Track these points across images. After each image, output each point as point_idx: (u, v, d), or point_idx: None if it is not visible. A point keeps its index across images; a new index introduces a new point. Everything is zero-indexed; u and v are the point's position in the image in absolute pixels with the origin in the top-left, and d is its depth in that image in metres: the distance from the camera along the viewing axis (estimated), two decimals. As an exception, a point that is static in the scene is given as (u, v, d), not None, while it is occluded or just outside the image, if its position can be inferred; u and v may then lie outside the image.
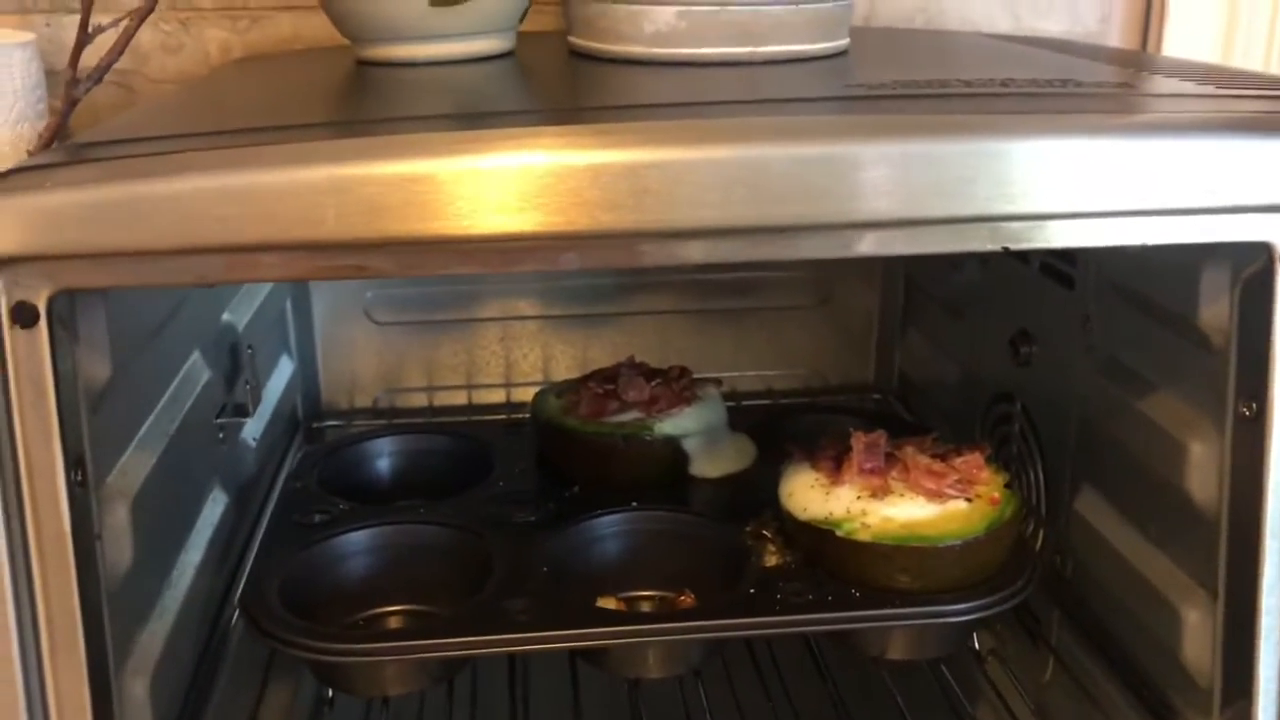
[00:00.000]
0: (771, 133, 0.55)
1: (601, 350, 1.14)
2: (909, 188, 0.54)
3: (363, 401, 1.14)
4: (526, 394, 1.13)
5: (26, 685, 0.55)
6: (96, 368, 0.58)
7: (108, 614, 0.58)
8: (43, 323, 0.53)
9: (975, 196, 0.55)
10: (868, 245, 0.55)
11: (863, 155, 0.53)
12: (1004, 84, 0.66)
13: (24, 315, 0.52)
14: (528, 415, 0.94)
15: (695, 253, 0.56)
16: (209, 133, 0.59)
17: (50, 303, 0.53)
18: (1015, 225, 0.56)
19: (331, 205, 0.51)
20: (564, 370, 1.14)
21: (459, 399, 1.15)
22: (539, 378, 1.14)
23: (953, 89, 0.64)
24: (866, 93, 0.63)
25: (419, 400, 1.14)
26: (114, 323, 0.59)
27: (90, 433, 0.57)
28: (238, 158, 0.52)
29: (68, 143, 0.60)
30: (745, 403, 1.05)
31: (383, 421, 1.09)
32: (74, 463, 0.55)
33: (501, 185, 0.52)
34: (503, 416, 1.09)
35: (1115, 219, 0.57)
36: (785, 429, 0.94)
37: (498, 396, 1.15)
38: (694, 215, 0.54)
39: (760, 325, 1.16)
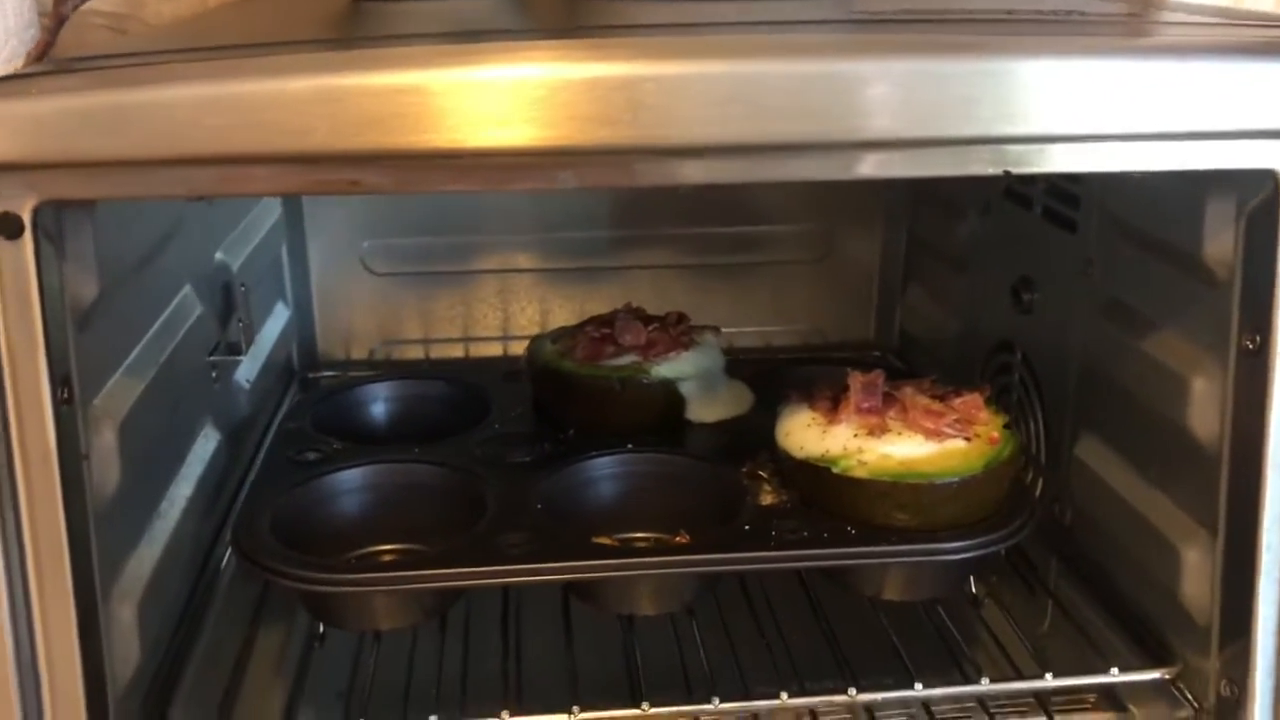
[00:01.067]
0: (771, 49, 0.54)
1: (599, 304, 1.12)
2: (911, 107, 0.53)
3: (359, 353, 1.13)
4: (523, 347, 1.12)
5: (12, 604, 0.55)
6: (83, 285, 0.57)
7: (94, 535, 0.57)
8: (28, 234, 0.52)
9: (978, 117, 0.54)
10: (868, 166, 0.55)
11: (863, 72, 0.52)
12: (1009, 12, 0.65)
13: (8, 226, 0.52)
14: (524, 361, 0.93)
15: (692, 172, 0.55)
16: (198, 48, 0.58)
17: (35, 214, 0.52)
18: (1017, 148, 0.55)
19: (322, 116, 0.51)
20: (561, 323, 1.12)
21: (456, 351, 1.14)
22: (536, 330, 1.13)
23: (955, 16, 0.63)
24: (868, 17, 0.62)
25: (415, 352, 1.13)
26: (102, 241, 0.58)
27: (76, 351, 0.56)
28: (227, 68, 0.52)
29: (55, 59, 0.59)
30: (743, 358, 1.04)
31: (378, 373, 1.08)
32: (60, 380, 0.54)
33: (495, 98, 0.51)
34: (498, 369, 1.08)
35: (1119, 143, 0.56)
36: (783, 378, 0.93)
37: (494, 349, 1.14)
38: (691, 132, 0.53)
39: (760, 281, 1.15)
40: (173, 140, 0.50)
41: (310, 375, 1.10)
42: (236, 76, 0.51)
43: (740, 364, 0.93)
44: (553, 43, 0.54)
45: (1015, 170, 0.56)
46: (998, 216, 0.92)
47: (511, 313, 1.15)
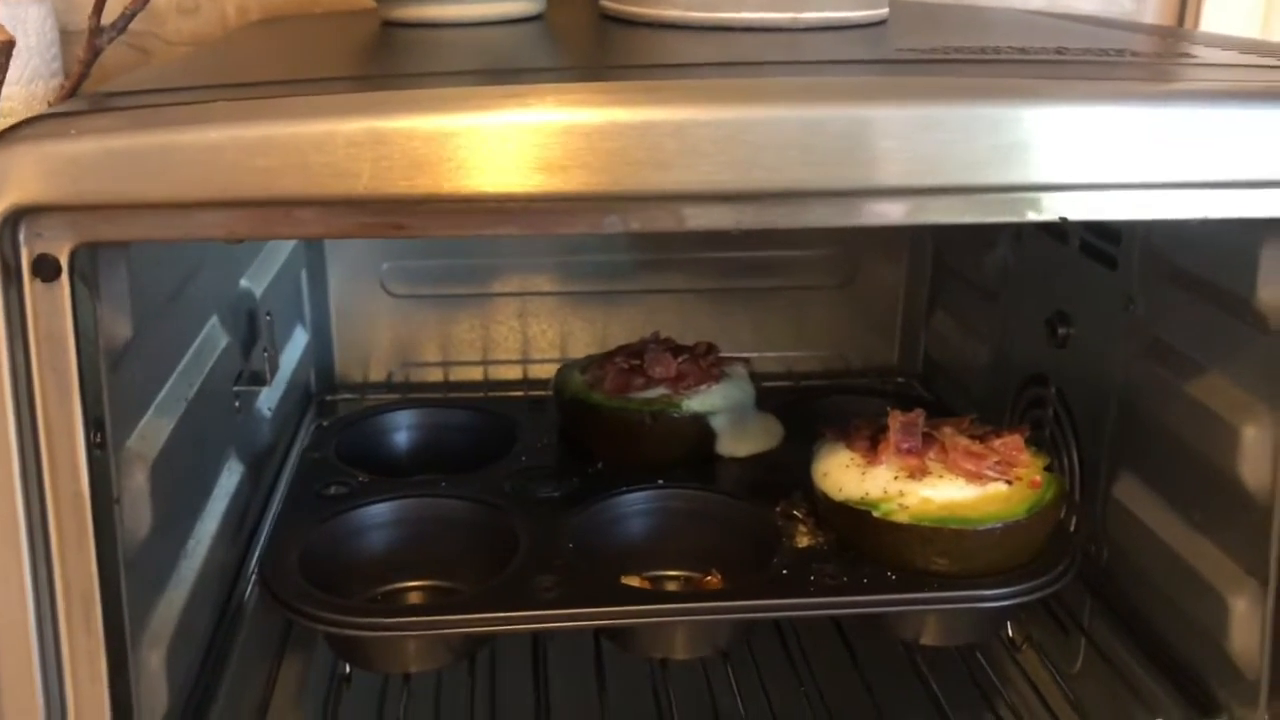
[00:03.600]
0: (830, 92, 0.53)
1: (620, 328, 1.12)
2: (972, 153, 0.52)
3: (377, 375, 1.11)
4: (544, 370, 1.11)
5: (42, 653, 0.54)
6: (118, 326, 0.56)
7: (125, 581, 0.56)
8: (64, 276, 0.51)
9: (1033, 164, 0.53)
10: (928, 213, 0.53)
11: (927, 118, 0.51)
12: (1058, 51, 0.63)
13: (45, 268, 0.50)
14: (548, 393, 0.92)
15: (745, 217, 0.53)
16: (239, 84, 0.57)
17: (73, 256, 0.50)
18: (1075, 195, 0.54)
19: (369, 159, 0.49)
20: (582, 347, 1.12)
21: (475, 374, 1.12)
22: (556, 354, 1.12)
23: (1007, 55, 0.62)
24: (919, 57, 0.61)
25: (434, 375, 1.12)
26: (135, 279, 0.57)
27: (110, 393, 0.54)
28: (272, 108, 0.50)
29: (90, 93, 0.58)
30: (766, 384, 1.03)
31: (396, 396, 1.07)
32: (93, 423, 0.53)
33: (545, 142, 0.50)
34: (520, 393, 1.07)
35: (1178, 190, 0.55)
36: (811, 410, 0.92)
37: (514, 373, 1.13)
38: (746, 177, 0.51)
39: (782, 305, 1.14)
40: (218, 182, 0.49)
41: (328, 398, 1.08)
42: (285, 118, 0.49)
43: (768, 394, 0.92)
44: (605, 84, 0.53)
45: (1072, 218, 0.54)
46: (1031, 248, 0.91)
47: (531, 335, 1.14)
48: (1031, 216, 0.54)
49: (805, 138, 0.51)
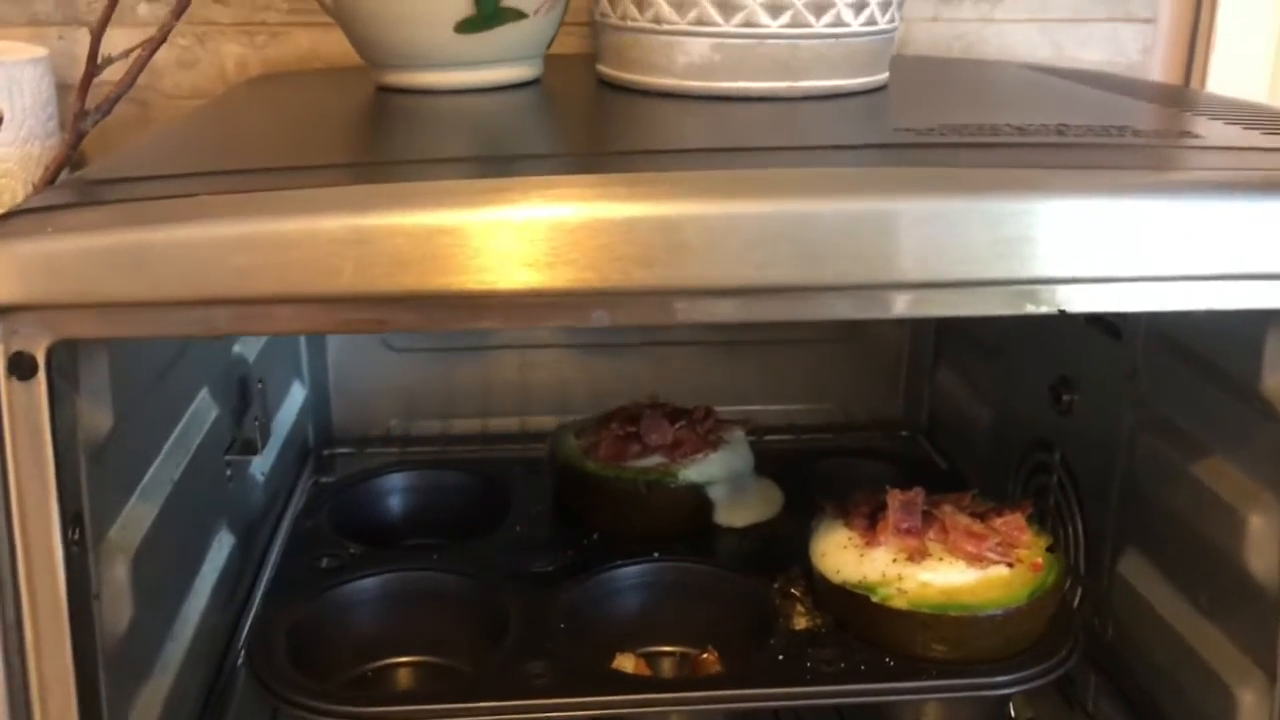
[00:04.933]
0: (820, 186, 0.51)
1: (621, 380, 1.11)
2: (966, 247, 0.51)
3: (376, 429, 1.10)
4: (542, 423, 1.10)
5: (17, 755, 0.52)
6: (98, 418, 0.55)
7: (104, 678, 0.55)
8: (41, 374, 0.50)
9: (1035, 258, 0.52)
10: (921, 307, 0.52)
11: (919, 212, 0.50)
12: (1059, 130, 0.62)
13: (22, 366, 0.49)
14: (544, 449, 0.91)
15: (733, 311, 0.52)
16: (222, 172, 0.56)
17: (50, 353, 0.49)
18: (1075, 288, 0.53)
19: (351, 257, 0.48)
20: (582, 400, 1.10)
21: (473, 427, 1.11)
22: (556, 406, 1.11)
23: (1004, 136, 0.61)
24: (915, 139, 0.59)
25: (433, 428, 1.11)
26: (117, 370, 0.56)
27: (90, 487, 0.53)
28: (252, 204, 0.49)
29: (72, 178, 0.57)
30: (768, 438, 1.01)
31: (395, 450, 1.06)
32: (71, 520, 0.52)
33: (531, 239, 0.49)
34: (518, 446, 1.06)
35: (1181, 283, 0.53)
36: (812, 473, 0.91)
37: (513, 425, 1.12)
38: (734, 273, 0.50)
39: (786, 358, 1.13)
40: (195, 281, 0.48)
41: (325, 453, 1.07)
42: (263, 214, 0.48)
43: (768, 450, 0.90)
44: (591, 178, 0.52)
45: (1070, 310, 0.53)
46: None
47: (531, 387, 1.12)
48: (1030, 309, 0.53)
49: (797, 232, 0.50)
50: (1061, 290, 0.53)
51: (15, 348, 0.49)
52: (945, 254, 0.51)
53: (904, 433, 1.13)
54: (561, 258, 0.49)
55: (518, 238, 0.49)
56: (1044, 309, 0.53)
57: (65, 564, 0.52)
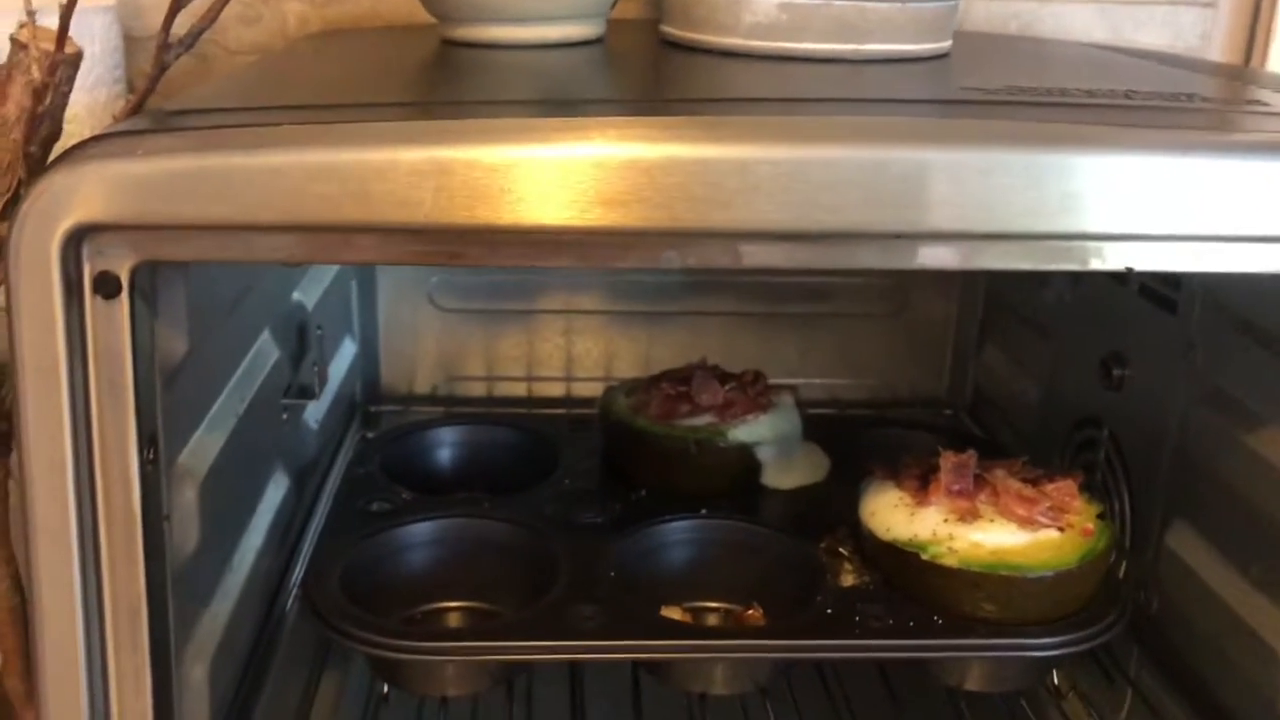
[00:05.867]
0: (892, 133, 0.52)
1: (666, 349, 1.12)
2: (1036, 200, 0.51)
3: (422, 388, 1.12)
4: (587, 389, 1.11)
5: (89, 666, 0.54)
6: (174, 342, 0.56)
7: (172, 596, 0.56)
8: (124, 294, 0.51)
9: (1103, 213, 0.52)
10: (985, 259, 0.52)
11: (991, 162, 0.50)
12: (1127, 95, 0.62)
13: (106, 285, 0.51)
14: (591, 411, 0.92)
15: (800, 256, 0.53)
16: (302, 106, 0.57)
17: (133, 274, 0.51)
18: (1141, 245, 0.53)
19: (430, 188, 0.49)
20: (626, 367, 1.11)
21: (518, 390, 1.12)
22: (600, 373, 1.12)
23: (1074, 98, 0.61)
24: (985, 97, 0.60)
25: (478, 389, 1.12)
26: (192, 298, 0.58)
27: (164, 410, 0.55)
28: (336, 134, 0.50)
29: (154, 110, 0.58)
30: (811, 410, 1.02)
31: (440, 409, 1.07)
32: (147, 440, 0.53)
33: (607, 176, 0.50)
34: (563, 411, 1.07)
35: (1248, 244, 0.53)
36: (858, 442, 0.91)
37: (558, 390, 1.13)
38: (806, 217, 0.51)
39: (830, 332, 1.13)
40: (279, 207, 0.49)
41: (373, 410, 1.09)
42: (349, 144, 0.49)
43: (813, 422, 0.91)
44: (667, 119, 0.53)
45: (1138, 268, 0.53)
46: (1088, 287, 0.90)
47: (576, 354, 1.13)
48: (1095, 266, 0.53)
49: (866, 179, 0.51)
50: (1126, 247, 0.53)
51: (101, 267, 0.50)
52: (1014, 206, 0.51)
53: (947, 410, 1.13)
54: (636, 196, 0.50)
55: (593, 175, 0.50)
56: (1108, 266, 0.53)
57: (140, 483, 0.53)
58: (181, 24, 0.61)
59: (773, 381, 0.90)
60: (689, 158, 0.50)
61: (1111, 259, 0.53)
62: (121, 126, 0.53)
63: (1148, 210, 0.52)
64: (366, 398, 1.09)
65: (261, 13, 1.05)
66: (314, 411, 0.88)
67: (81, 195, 0.49)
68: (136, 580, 0.54)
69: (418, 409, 1.09)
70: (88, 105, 0.90)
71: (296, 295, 0.84)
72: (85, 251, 0.50)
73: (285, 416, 0.81)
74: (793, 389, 0.90)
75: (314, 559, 0.75)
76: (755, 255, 0.53)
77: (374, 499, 0.79)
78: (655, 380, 0.88)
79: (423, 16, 0.83)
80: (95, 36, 0.91)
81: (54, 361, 0.51)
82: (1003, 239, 0.52)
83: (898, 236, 0.52)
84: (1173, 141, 0.53)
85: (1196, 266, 0.54)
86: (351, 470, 0.85)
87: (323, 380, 0.84)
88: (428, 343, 1.11)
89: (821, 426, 0.91)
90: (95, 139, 0.51)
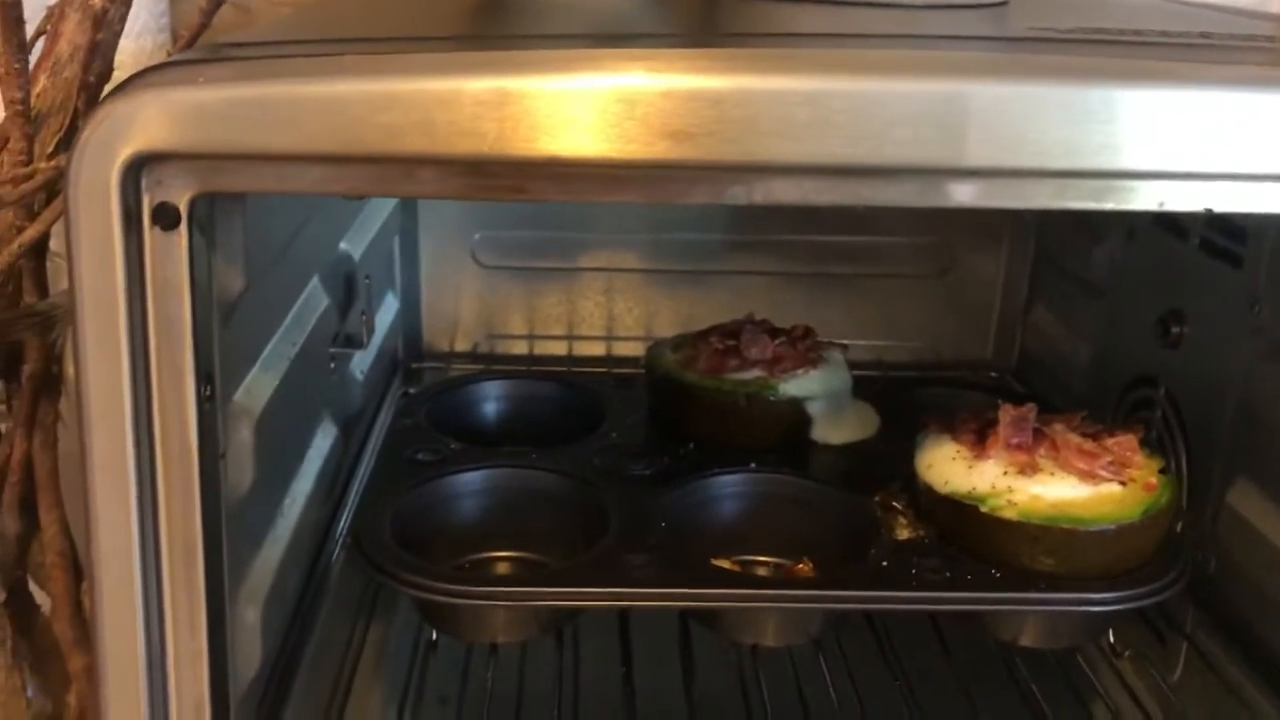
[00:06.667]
0: (967, 68, 0.50)
1: (707, 309, 1.10)
2: (1114, 135, 0.49)
3: (463, 345, 1.11)
4: (628, 348, 1.10)
5: (145, 603, 0.53)
6: (231, 278, 0.56)
7: (226, 536, 0.56)
8: (183, 225, 0.50)
9: (1184, 152, 0.50)
10: (1065, 198, 0.51)
11: (1070, 99, 0.49)
12: (1203, 36, 0.61)
13: (165, 216, 0.50)
14: (633, 370, 0.91)
15: (873, 193, 0.51)
16: (359, 39, 0.56)
17: (192, 205, 0.50)
18: (1222, 184, 0.51)
19: (494, 119, 0.48)
20: (667, 327, 1.10)
21: (559, 349, 1.12)
22: (641, 333, 1.11)
23: (1149, 38, 0.59)
24: (1058, 36, 0.58)
25: (519, 347, 1.11)
26: (249, 234, 0.57)
27: (220, 346, 0.54)
28: (399, 63, 0.49)
29: (212, 44, 0.58)
30: (856, 372, 1.00)
31: (481, 366, 1.07)
32: (204, 376, 0.53)
33: (675, 108, 0.48)
34: (604, 370, 1.06)
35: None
36: (909, 400, 0.90)
37: (598, 349, 1.12)
38: (877, 151, 0.49)
39: (874, 293, 1.11)
40: (342, 137, 0.48)
41: (414, 366, 1.08)
42: (412, 74, 0.48)
43: (859, 382, 0.90)
44: (734, 51, 0.52)
45: (1218, 209, 0.52)
46: (1144, 243, 0.88)
47: (617, 313, 1.12)
48: (1172, 206, 0.52)
49: (941, 113, 0.49)
50: (1207, 187, 0.51)
51: (160, 198, 0.50)
52: (1092, 142, 0.50)
53: (993, 373, 1.11)
54: (704, 129, 0.49)
55: (660, 106, 0.48)
56: (1187, 206, 0.52)
57: (197, 418, 0.52)
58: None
59: (822, 340, 0.89)
60: (760, 89, 0.49)
61: (1188, 200, 0.52)
62: (181, 56, 0.52)
63: (1230, 149, 0.50)
64: (408, 354, 1.09)
65: (303, -37, 1.04)
66: (359, 362, 0.87)
67: (141, 123, 0.48)
68: (193, 518, 0.53)
69: (459, 366, 1.08)
70: (133, 53, 0.89)
71: (344, 245, 0.83)
72: (144, 182, 0.49)
73: (333, 365, 0.80)
74: (842, 346, 0.88)
75: (362, 507, 0.75)
76: (824, 192, 0.51)
77: (420, 449, 0.79)
78: (704, 334, 0.87)
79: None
80: (140, -16, 0.90)
81: (113, 295, 0.50)
82: (1081, 177, 0.50)
83: (971, 173, 0.51)
84: (1257, 77, 0.51)
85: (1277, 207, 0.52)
86: (398, 421, 0.85)
87: (370, 330, 0.83)
88: (469, 300, 1.10)
89: (870, 385, 0.90)
90: (155, 68, 0.50)
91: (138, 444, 0.52)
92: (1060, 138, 0.49)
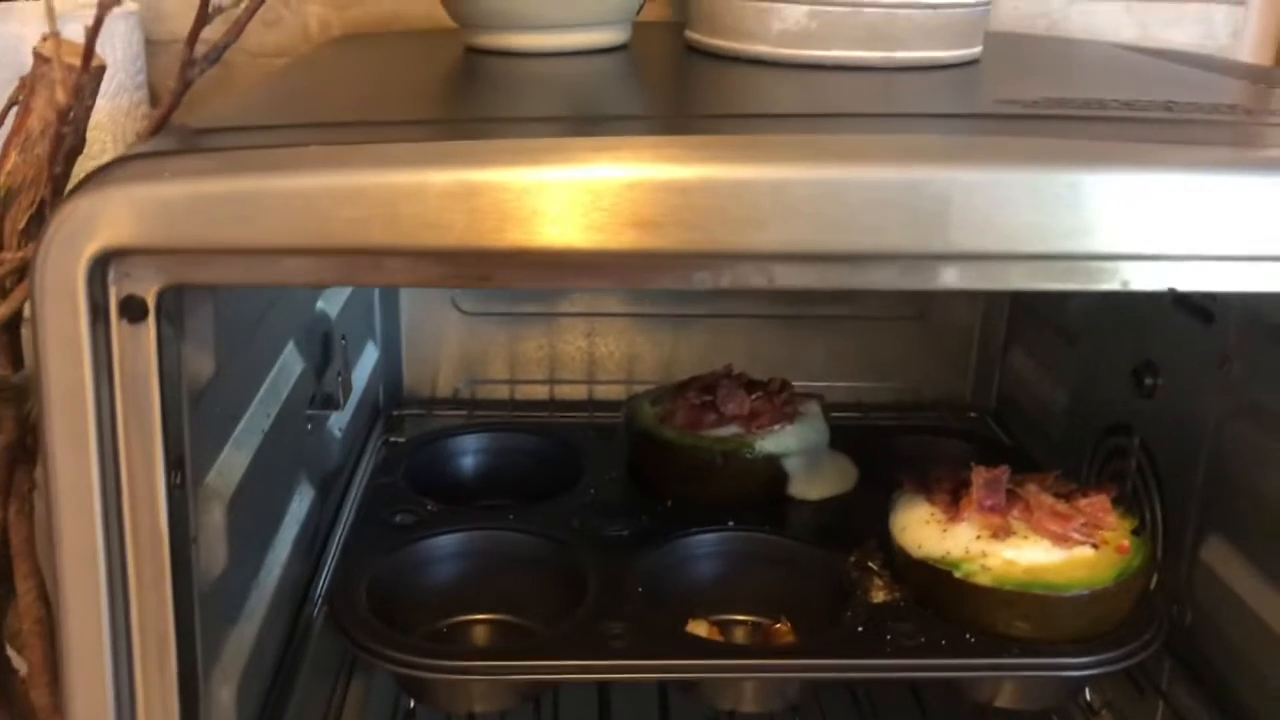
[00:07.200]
0: (934, 153, 0.51)
1: (689, 351, 1.11)
2: (1082, 220, 0.50)
3: (444, 391, 1.11)
4: (610, 391, 1.10)
5: (116, 689, 0.53)
6: (201, 364, 0.56)
7: (199, 618, 0.56)
8: (151, 318, 0.50)
9: (1154, 233, 0.51)
10: (1035, 279, 0.51)
11: (1033, 183, 0.49)
12: (1166, 107, 0.61)
13: (132, 309, 0.50)
14: (614, 416, 0.91)
15: (835, 277, 0.52)
16: (327, 124, 0.56)
17: (159, 297, 0.50)
18: (1185, 265, 0.52)
19: (461, 210, 0.48)
20: (649, 370, 1.11)
21: (540, 393, 1.12)
22: (623, 376, 1.11)
23: (1114, 111, 0.60)
24: (1021, 111, 0.58)
25: (500, 392, 1.12)
26: (219, 315, 0.57)
27: (190, 431, 0.54)
28: (364, 155, 0.49)
29: (178, 127, 0.58)
30: (835, 414, 1.01)
31: (463, 413, 1.07)
32: (174, 463, 0.53)
33: (643, 198, 0.49)
34: (585, 414, 1.06)
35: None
36: (886, 450, 0.90)
37: (580, 393, 1.12)
38: (842, 239, 0.50)
39: (854, 334, 1.12)
40: (308, 230, 0.48)
41: (395, 413, 1.08)
42: (377, 167, 0.48)
43: (838, 427, 0.90)
44: (701, 139, 0.52)
45: (1180, 290, 0.52)
46: (1119, 295, 0.88)
47: (599, 356, 1.13)
48: (1137, 286, 0.52)
49: (908, 199, 0.50)
50: (1170, 267, 0.52)
51: (127, 291, 0.50)
52: (1060, 226, 0.50)
53: (971, 414, 1.11)
54: (671, 218, 0.49)
55: (628, 196, 0.49)
56: (1150, 287, 0.52)
57: (167, 506, 0.52)
58: (205, 35, 0.61)
59: (798, 386, 0.89)
60: (725, 179, 0.49)
61: (1152, 280, 0.52)
62: (146, 147, 0.52)
63: (1190, 230, 0.51)
64: (389, 401, 1.09)
65: (282, 14, 1.04)
66: (338, 420, 0.87)
67: (107, 219, 0.48)
68: (164, 603, 0.53)
69: (440, 412, 1.08)
70: (109, 112, 0.89)
71: (320, 305, 0.83)
72: (111, 275, 0.49)
73: (309, 427, 0.80)
74: (819, 397, 0.89)
75: (339, 573, 0.75)
76: (789, 276, 0.52)
77: (398, 510, 0.79)
78: (681, 388, 0.87)
79: (444, 20, 0.82)
80: (117, 43, 0.90)
81: (80, 385, 0.50)
82: (1050, 259, 0.51)
83: (938, 258, 0.51)
84: (1220, 159, 0.52)
85: (1240, 286, 0.53)
86: (375, 479, 0.85)
87: (347, 390, 0.83)
88: (450, 346, 1.10)
89: (848, 434, 0.90)
90: (120, 160, 0.50)
91: (107, 530, 0.52)
92: (1030, 222, 0.50)
